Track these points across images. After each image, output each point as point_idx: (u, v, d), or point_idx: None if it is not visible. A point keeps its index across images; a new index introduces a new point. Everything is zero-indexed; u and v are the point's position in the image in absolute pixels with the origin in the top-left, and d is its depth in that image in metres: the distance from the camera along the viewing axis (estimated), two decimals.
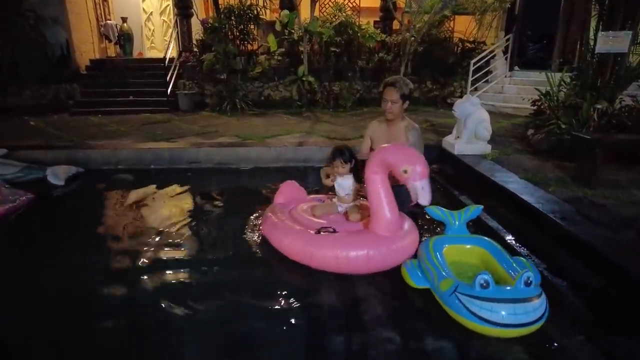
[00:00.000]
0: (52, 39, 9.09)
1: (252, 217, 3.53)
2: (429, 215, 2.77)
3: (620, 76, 5.01)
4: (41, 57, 8.92)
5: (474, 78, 8.99)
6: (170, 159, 5.18)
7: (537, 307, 1.96)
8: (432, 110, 8.80)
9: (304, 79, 8.70)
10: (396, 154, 2.57)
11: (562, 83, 5.65)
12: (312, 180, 4.33)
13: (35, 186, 4.29)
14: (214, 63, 8.51)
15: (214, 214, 3.82)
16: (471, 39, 10.04)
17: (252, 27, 9.29)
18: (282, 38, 9.34)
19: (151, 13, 11.90)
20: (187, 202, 4.10)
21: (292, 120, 7.56)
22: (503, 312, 1.94)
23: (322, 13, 10.26)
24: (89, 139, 5.83)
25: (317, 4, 9.37)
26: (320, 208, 3.10)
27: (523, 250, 2.97)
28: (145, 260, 2.87)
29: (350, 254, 2.52)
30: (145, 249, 3.03)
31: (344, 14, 9.71)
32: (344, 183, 2.99)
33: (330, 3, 10.52)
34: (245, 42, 9.35)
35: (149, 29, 12.03)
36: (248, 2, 9.14)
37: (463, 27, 10.22)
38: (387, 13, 10.22)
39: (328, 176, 3.06)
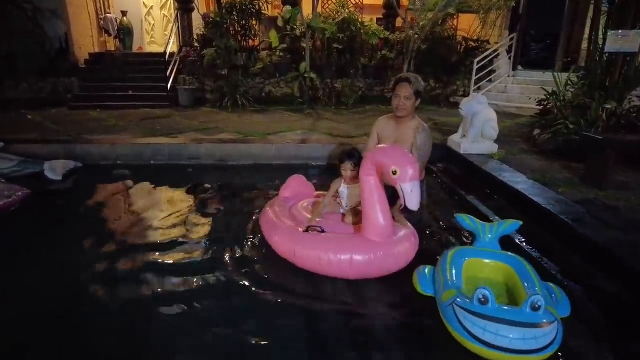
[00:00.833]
0: (50, 31, 8.97)
1: (252, 215, 3.44)
2: (459, 225, 2.61)
3: (629, 76, 4.92)
4: (39, 50, 8.81)
5: (477, 77, 8.92)
6: (170, 154, 5.08)
7: (539, 335, 1.75)
8: (435, 109, 8.71)
9: (305, 75, 8.59)
10: (388, 154, 2.42)
11: (570, 83, 5.57)
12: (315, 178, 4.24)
13: (31, 181, 4.19)
14: (215, 58, 8.40)
15: (215, 211, 3.71)
16: (475, 38, 9.96)
17: (253, 22, 9.19)
18: (284, 34, 9.25)
19: (151, 7, 11.77)
20: (188, 199, 3.99)
21: (294, 118, 7.46)
22: (497, 333, 1.77)
23: (325, 9, 10.16)
24: (88, 133, 5.73)
25: (320, 0, 9.26)
26: (321, 206, 3.02)
27: (534, 253, 2.88)
28: (143, 258, 2.78)
29: (332, 257, 2.40)
30: (144, 246, 2.94)
31: (347, 10, 9.60)
32: (355, 192, 2.83)
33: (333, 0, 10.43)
34: (247, 38, 9.23)
35: (149, 23, 11.90)
36: None
37: (467, 25, 10.15)
38: (390, 10, 10.14)
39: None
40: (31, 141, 5.15)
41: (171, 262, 2.76)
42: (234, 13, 8.77)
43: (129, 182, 4.45)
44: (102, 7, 10.79)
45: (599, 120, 4.69)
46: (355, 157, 2.80)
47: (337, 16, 9.38)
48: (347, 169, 2.81)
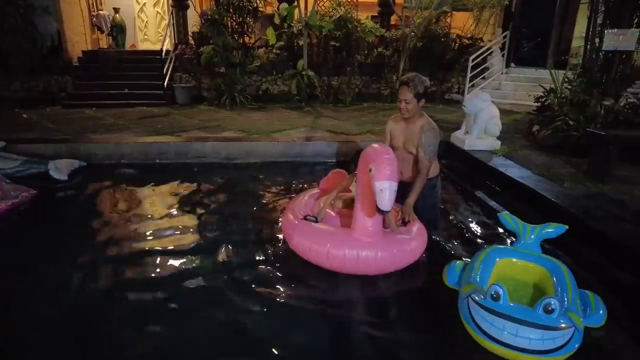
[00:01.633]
0: (42, 28, 8.77)
1: (261, 213, 3.46)
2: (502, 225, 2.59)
3: (626, 74, 5.07)
4: (31, 48, 8.62)
5: (471, 74, 9.03)
6: (175, 153, 5.05)
7: (547, 337, 1.74)
8: (431, 105, 8.80)
9: (303, 73, 8.60)
10: (369, 152, 2.46)
11: (567, 80, 5.71)
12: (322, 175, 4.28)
13: (37, 181, 4.11)
14: (213, 56, 8.35)
15: (223, 209, 3.71)
16: (469, 36, 10.08)
17: (250, 19, 9.15)
18: (280, 31, 9.23)
19: (144, 4, 11.61)
20: (195, 198, 3.97)
21: (294, 115, 7.47)
22: (504, 330, 1.79)
23: (321, 7, 10.16)
24: (87, 132, 5.66)
25: None
26: (341, 200, 3.07)
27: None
28: (152, 258, 2.79)
29: (312, 246, 2.53)
30: (152, 247, 2.95)
31: (343, 8, 9.63)
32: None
33: None
34: (244, 35, 9.19)
35: (142, 21, 11.75)
36: None
37: (461, 23, 10.26)
38: (385, 8, 10.19)
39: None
40: (33, 140, 5.07)
41: (181, 261, 2.77)
42: (231, 10, 8.73)
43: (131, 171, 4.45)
44: (94, 4, 10.63)
45: (597, 117, 4.82)
46: None
47: (333, 13, 9.40)
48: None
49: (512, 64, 9.99)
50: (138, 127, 6.06)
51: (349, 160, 5.18)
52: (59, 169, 4.39)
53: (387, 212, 2.32)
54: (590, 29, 5.52)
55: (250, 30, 9.29)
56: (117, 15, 11.04)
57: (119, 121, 6.55)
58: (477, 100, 4.72)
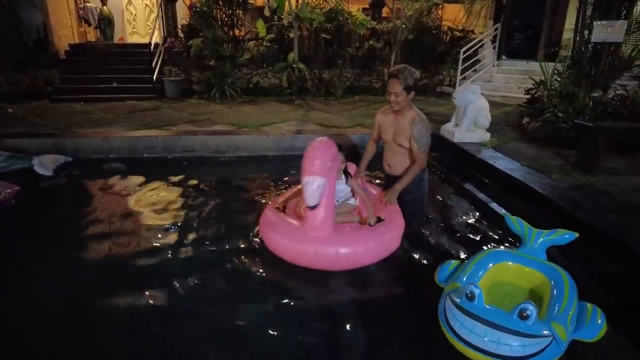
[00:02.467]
0: (27, 21, 8.59)
1: (251, 207, 3.44)
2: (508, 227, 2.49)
3: (614, 66, 5.08)
4: (16, 41, 8.44)
5: (463, 67, 9.03)
6: (164, 147, 5.00)
7: (517, 343, 1.67)
8: (422, 98, 8.79)
9: (294, 65, 8.54)
10: (308, 147, 2.47)
11: (556, 72, 5.71)
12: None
13: (20, 177, 4.04)
14: (202, 49, 8.25)
15: (211, 204, 3.65)
16: (460, 28, 10.05)
17: (239, 12, 9.05)
18: (271, 24, 9.15)
19: None
20: (183, 192, 3.92)
21: (285, 108, 7.43)
22: (474, 331, 1.72)
23: None
24: (75, 126, 5.57)
25: None
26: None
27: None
28: (138, 255, 2.76)
29: (269, 234, 2.62)
30: (138, 243, 2.91)
31: (333, 0, 9.55)
32: (339, 187, 2.79)
33: None
34: (233, 28, 9.09)
35: (131, 13, 11.58)
36: None
37: (452, 15, 10.23)
38: (376, 0, 10.13)
39: None
40: (17, 135, 4.98)
41: (168, 256, 2.74)
42: (220, 2, 8.62)
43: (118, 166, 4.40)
44: None
45: (586, 109, 4.84)
46: (343, 150, 2.75)
47: (324, 5, 9.32)
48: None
49: (503, 57, 10.00)
50: (127, 121, 5.98)
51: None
52: (44, 165, 4.32)
53: (312, 207, 2.31)
54: (580, 21, 5.53)
55: (240, 22, 9.19)
56: (105, 7, 10.86)
57: (107, 115, 6.45)
58: (467, 93, 4.72)
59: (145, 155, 4.96)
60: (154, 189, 3.98)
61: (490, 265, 2.21)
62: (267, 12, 9.11)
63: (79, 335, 2.04)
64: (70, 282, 2.47)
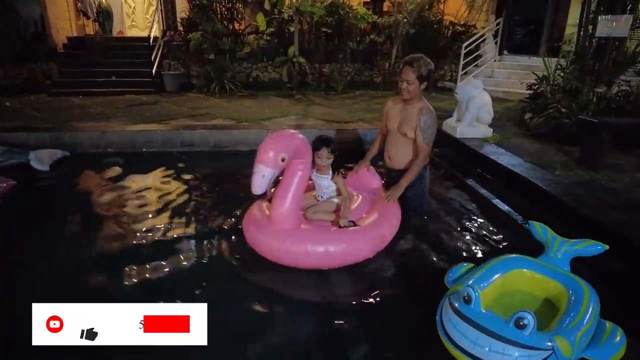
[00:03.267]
0: (25, 14, 8.50)
1: (250, 202, 3.38)
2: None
3: (618, 61, 5.03)
4: (13, 34, 8.36)
5: (464, 62, 8.96)
6: (163, 141, 4.95)
7: (508, 352, 1.59)
8: (424, 93, 8.66)
9: (294, 60, 8.47)
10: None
11: (559, 67, 5.65)
12: None
13: (17, 172, 3.97)
14: (202, 42, 8.18)
15: (210, 200, 3.61)
16: (461, 22, 9.97)
17: (239, 5, 8.96)
18: (271, 17, 9.06)
19: None
20: (182, 187, 3.87)
21: (285, 103, 7.37)
22: (465, 335, 1.66)
23: None
24: (74, 120, 5.52)
25: None
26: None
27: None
28: (136, 251, 2.72)
29: (245, 226, 2.67)
30: (137, 240, 2.87)
31: None
32: (323, 182, 2.72)
33: None
34: (233, 21, 9.01)
35: (130, 6, 11.45)
36: None
37: (454, 9, 10.12)
38: None
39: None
40: (14, 129, 4.93)
41: (166, 251, 2.71)
42: None
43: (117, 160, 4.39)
44: None
45: (590, 104, 4.79)
46: (332, 144, 2.64)
47: None
48: (322, 156, 2.61)
49: (505, 52, 9.92)
50: (125, 116, 5.93)
51: (340, 149, 5.11)
52: (41, 159, 4.26)
53: (258, 194, 2.30)
54: (584, 15, 5.46)
55: (240, 16, 9.11)
56: (103, 0, 10.74)
57: (106, 109, 6.40)
58: (469, 87, 4.67)
59: (144, 149, 4.92)
60: (152, 184, 3.93)
61: (506, 271, 2.08)
62: (267, 6, 9.00)
63: None
64: (66, 277, 2.44)
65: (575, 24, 6.19)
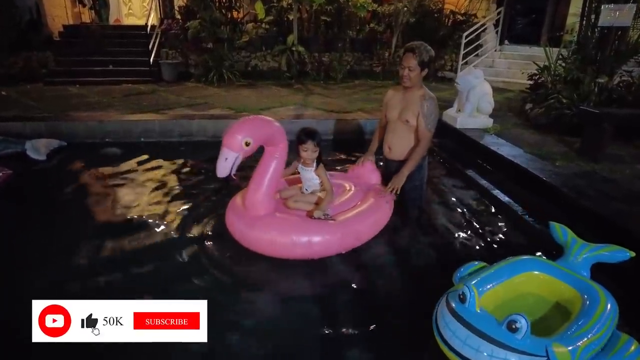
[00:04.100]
0: (19, 1, 8.38)
1: None
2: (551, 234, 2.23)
3: (620, 51, 4.98)
4: (8, 22, 8.24)
5: (465, 51, 8.88)
6: (160, 131, 4.91)
7: (497, 355, 1.53)
8: (424, 83, 8.63)
9: (293, 48, 8.39)
10: None
11: (561, 57, 5.60)
12: None
13: (13, 162, 3.95)
14: (200, 31, 8.08)
15: (208, 189, 3.57)
16: (462, 11, 9.86)
17: None
18: (270, 5, 8.96)
19: None
20: (181, 178, 3.84)
21: (284, 92, 7.31)
22: (455, 334, 1.62)
23: None
24: (71, 110, 5.46)
25: None
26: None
27: (538, 226, 2.94)
28: (131, 242, 2.70)
29: (226, 212, 2.68)
30: (133, 230, 2.84)
31: None
32: (307, 175, 2.69)
33: None
34: (231, 9, 8.89)
35: None
36: None
37: None
38: None
39: None
40: (10, 118, 4.88)
41: (163, 242, 2.70)
42: None
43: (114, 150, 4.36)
44: None
45: (591, 95, 4.75)
46: (317, 137, 2.58)
47: None
48: (308, 149, 2.56)
49: (506, 41, 9.82)
50: (123, 105, 5.88)
51: (339, 139, 5.09)
52: (37, 149, 4.23)
53: (222, 177, 2.28)
54: (587, 4, 5.39)
55: (238, 4, 9.00)
56: None
57: (103, 99, 6.34)
58: (470, 77, 4.62)
59: (142, 139, 4.88)
60: (150, 174, 3.90)
61: (518, 273, 1.99)
62: None
63: None
64: (63, 269, 2.42)
65: (577, 13, 6.11)
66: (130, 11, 11.41)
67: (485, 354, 1.55)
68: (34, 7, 8.61)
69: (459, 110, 4.96)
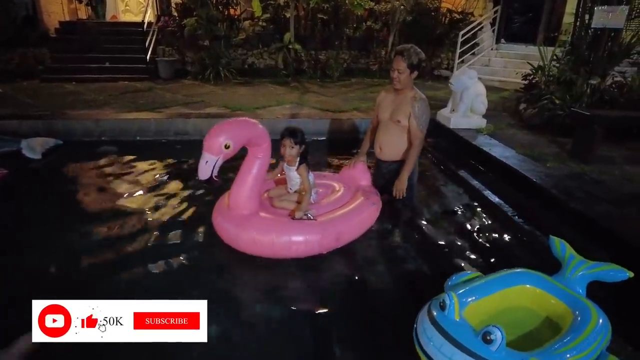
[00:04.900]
0: None
1: None
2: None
3: (613, 52, 5.02)
4: (4, 17, 8.22)
5: (461, 50, 8.91)
6: (156, 130, 4.93)
7: None
8: (419, 81, 8.69)
9: (290, 46, 8.40)
10: None
11: (555, 57, 5.64)
12: None
13: (8, 160, 3.96)
14: (196, 29, 8.08)
15: (205, 190, 3.56)
16: (459, 10, 9.88)
17: None
18: (266, 3, 8.95)
19: None
20: (176, 177, 3.85)
21: (280, 90, 7.33)
22: (431, 340, 1.60)
23: None
24: (67, 108, 5.47)
25: None
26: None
27: (527, 227, 2.99)
28: (128, 241, 2.73)
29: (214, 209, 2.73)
30: (130, 229, 2.88)
31: None
32: (290, 174, 2.73)
33: None
34: (228, 7, 8.89)
35: None
36: None
37: None
38: None
39: None
40: (6, 117, 4.89)
41: (160, 241, 2.73)
42: None
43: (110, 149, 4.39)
44: None
45: (583, 96, 4.79)
46: (297, 135, 2.60)
47: None
48: (285, 145, 2.59)
49: (503, 40, 9.86)
50: (119, 103, 5.89)
51: (334, 139, 5.12)
52: (32, 148, 4.24)
53: (203, 180, 2.30)
54: (581, 5, 5.43)
55: (235, 1, 8.98)
56: None
57: (99, 96, 6.35)
58: (464, 78, 4.66)
59: (138, 138, 4.90)
60: (146, 173, 3.93)
61: (510, 285, 1.96)
62: None
63: None
64: (59, 269, 2.45)
65: (573, 13, 6.16)
66: (126, 7, 11.35)
67: None
68: (30, 3, 8.60)
69: (453, 111, 5.00)
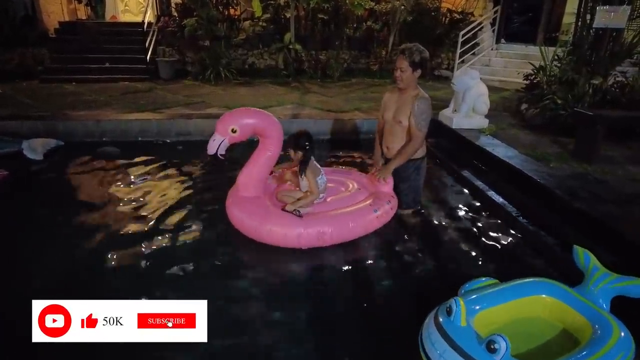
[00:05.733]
0: None
1: None
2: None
3: (615, 52, 5.02)
4: (3, 17, 8.19)
5: (461, 50, 8.90)
6: (158, 131, 4.92)
7: None
8: (420, 82, 8.61)
9: (290, 46, 8.39)
10: None
11: (556, 57, 5.63)
12: None
13: (9, 162, 3.95)
14: (196, 29, 8.06)
15: (206, 190, 3.60)
16: (459, 10, 9.88)
17: None
18: (267, 3, 8.94)
19: None
20: (178, 178, 3.85)
21: (280, 91, 7.32)
22: (434, 346, 1.59)
23: None
24: (67, 108, 5.45)
25: None
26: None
27: (531, 228, 2.98)
28: (129, 241, 2.73)
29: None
30: (130, 229, 2.88)
31: None
32: (299, 181, 2.83)
33: None
34: (229, 7, 8.87)
35: None
36: None
37: None
38: None
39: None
40: (7, 117, 4.87)
41: (161, 243, 2.72)
42: None
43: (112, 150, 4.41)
44: None
45: (585, 96, 4.79)
46: (291, 141, 2.69)
47: None
48: (290, 153, 2.75)
49: (503, 40, 9.86)
50: (120, 104, 5.87)
51: (336, 139, 5.11)
52: (34, 149, 4.22)
53: (210, 154, 2.61)
54: (582, 5, 5.43)
55: (235, 1, 8.97)
56: None
57: (100, 97, 6.33)
58: (466, 78, 4.65)
59: (139, 138, 4.89)
60: (147, 174, 3.92)
61: (527, 295, 1.91)
62: None
63: None
64: (59, 270, 2.44)
65: (573, 13, 6.16)
66: (126, 8, 11.32)
67: None
68: (29, 3, 8.58)
69: (455, 111, 5.00)
